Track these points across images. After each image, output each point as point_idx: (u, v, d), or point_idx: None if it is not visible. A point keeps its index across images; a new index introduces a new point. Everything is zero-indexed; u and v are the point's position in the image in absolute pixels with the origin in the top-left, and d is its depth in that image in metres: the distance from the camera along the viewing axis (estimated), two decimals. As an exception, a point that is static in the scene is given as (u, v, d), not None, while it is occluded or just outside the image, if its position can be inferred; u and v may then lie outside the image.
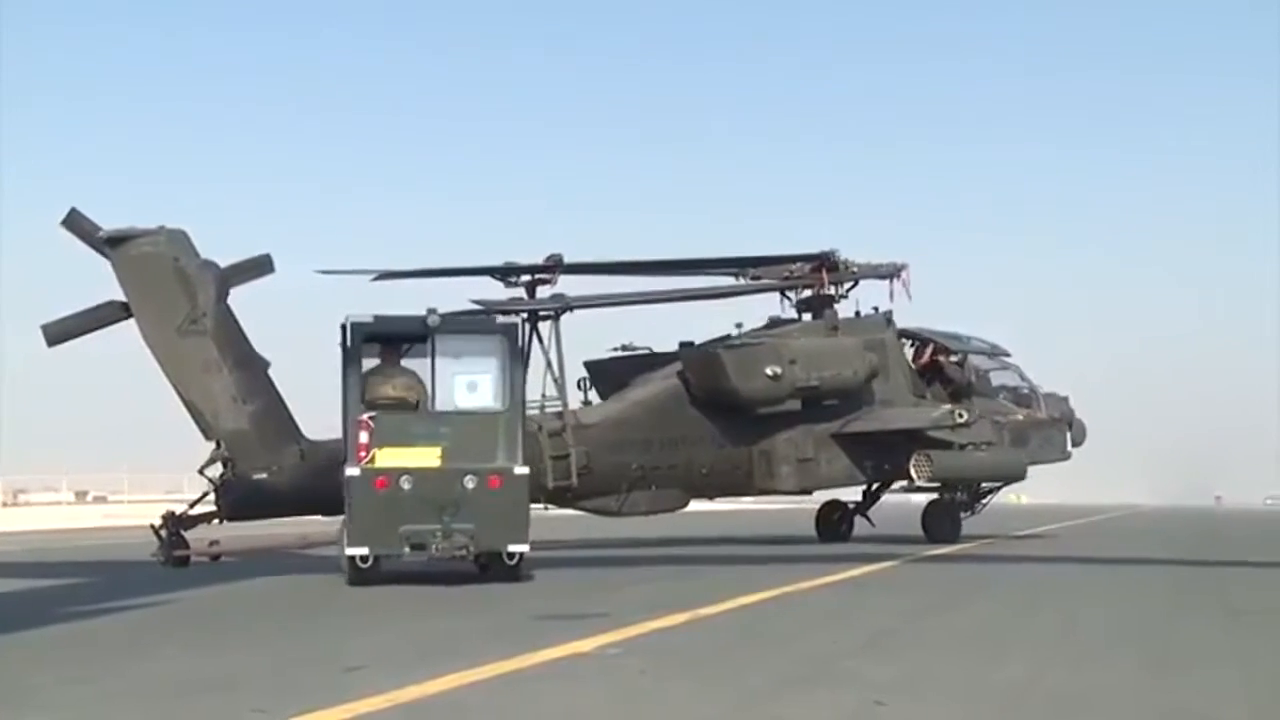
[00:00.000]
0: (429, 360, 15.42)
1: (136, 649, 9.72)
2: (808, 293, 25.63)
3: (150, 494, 60.32)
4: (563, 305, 23.00)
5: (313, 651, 9.51)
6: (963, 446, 24.73)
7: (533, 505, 23.77)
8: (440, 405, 15.36)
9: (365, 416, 14.97)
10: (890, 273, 25.34)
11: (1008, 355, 27.89)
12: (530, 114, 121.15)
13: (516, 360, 15.62)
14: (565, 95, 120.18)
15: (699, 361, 23.92)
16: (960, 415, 24.12)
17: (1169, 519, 48.49)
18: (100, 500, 57.18)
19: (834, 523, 27.18)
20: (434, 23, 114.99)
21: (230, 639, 10.22)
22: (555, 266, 23.18)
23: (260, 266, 19.94)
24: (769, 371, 23.36)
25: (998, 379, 27.16)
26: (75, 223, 18.14)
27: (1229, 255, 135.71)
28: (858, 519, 27.44)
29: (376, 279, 22.66)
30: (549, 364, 22.65)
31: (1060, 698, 7.60)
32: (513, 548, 15.15)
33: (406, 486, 14.85)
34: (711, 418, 23.73)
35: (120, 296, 19.01)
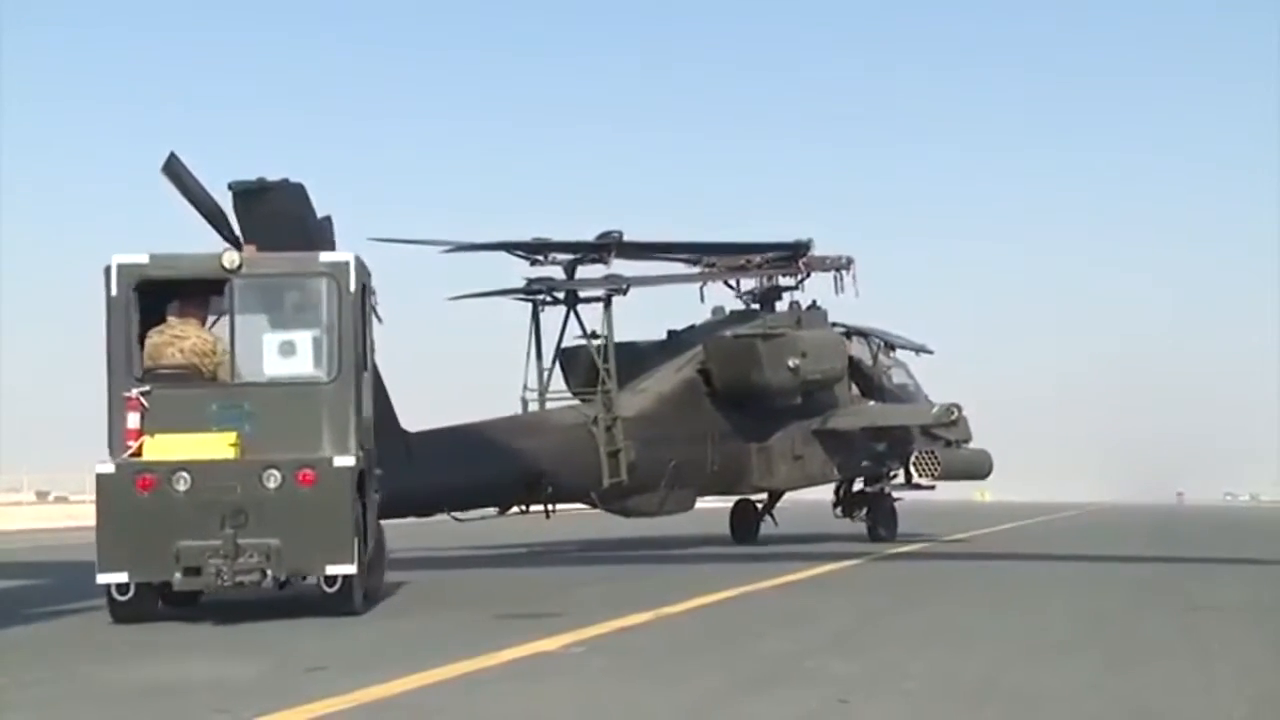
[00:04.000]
0: (228, 314, 11.72)
1: (97, 650, 9.67)
2: (750, 283, 24.39)
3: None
4: (618, 286, 21.60)
5: (274, 652, 9.47)
6: (949, 443, 24.51)
7: (579, 506, 22.38)
8: (244, 374, 11.66)
9: (135, 392, 11.25)
10: (840, 265, 24.19)
11: (931, 352, 27.15)
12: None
13: (351, 311, 11.62)
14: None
15: (729, 351, 22.71)
16: (953, 412, 23.59)
17: (1131, 516, 48.83)
18: (62, 500, 56.81)
19: (746, 523, 25.72)
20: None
21: (192, 640, 10.18)
22: (611, 245, 21.70)
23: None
24: (790, 363, 22.42)
25: (895, 376, 26.26)
26: (175, 170, 14.34)
27: (1196, 254, 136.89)
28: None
29: (449, 251, 21.35)
30: (598, 351, 21.32)
31: (1022, 694, 7.65)
32: (332, 569, 11.22)
33: (182, 488, 11.02)
34: (724, 412, 22.67)
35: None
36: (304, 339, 11.66)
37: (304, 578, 11.51)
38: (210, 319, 12.04)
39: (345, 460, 11.32)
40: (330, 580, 11.30)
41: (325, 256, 11.97)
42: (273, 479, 11.14)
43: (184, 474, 11.05)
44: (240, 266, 11.52)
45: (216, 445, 11.19)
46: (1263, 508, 79.22)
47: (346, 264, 11.68)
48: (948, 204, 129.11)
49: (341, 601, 11.40)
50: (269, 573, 11.14)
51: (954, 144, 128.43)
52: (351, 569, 11.31)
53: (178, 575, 10.97)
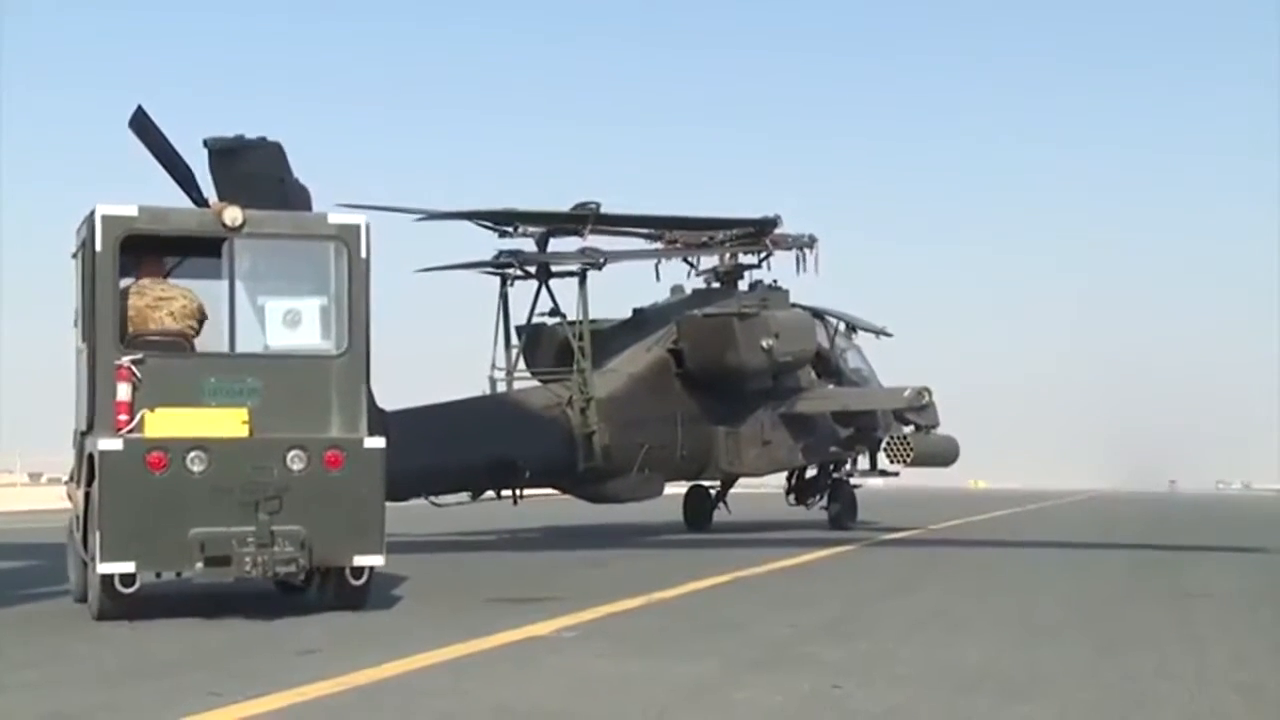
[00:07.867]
0: (225, 278, 10.67)
1: (88, 632, 9.64)
2: (711, 261, 23.71)
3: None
4: (593, 260, 20.82)
5: (266, 634, 9.46)
6: (920, 428, 24.10)
7: (550, 491, 21.60)
8: (245, 344, 10.63)
9: (126, 360, 10.13)
10: (804, 244, 23.31)
11: (890, 335, 26.34)
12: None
13: (361, 280, 10.69)
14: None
15: (703, 330, 21.93)
16: (924, 396, 22.85)
17: (1124, 503, 48.92)
18: (55, 482, 56.77)
19: (700, 510, 25.08)
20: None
21: (182, 622, 10.14)
22: (587, 217, 20.93)
23: None
24: (764, 344, 21.73)
25: (851, 360, 25.44)
26: (143, 125, 12.68)
27: (1192, 242, 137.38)
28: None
29: (422, 219, 20.50)
30: (571, 329, 20.72)
31: (1014, 679, 7.66)
32: (360, 560, 10.44)
33: (198, 468, 10.01)
34: (693, 394, 21.88)
35: None
36: (310, 307, 10.75)
37: (325, 570, 10.55)
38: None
39: (376, 442, 10.53)
40: (357, 573, 10.50)
41: (334, 218, 10.95)
42: (298, 460, 10.23)
43: (200, 453, 10.02)
44: (243, 225, 10.49)
45: (227, 422, 10.16)
46: (1255, 496, 79.36)
47: (358, 227, 10.71)
48: (949, 197, 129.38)
49: (361, 597, 10.62)
50: (300, 564, 10.15)
51: (959, 139, 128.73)
52: (380, 560, 10.54)
53: (199, 565, 9.98)
